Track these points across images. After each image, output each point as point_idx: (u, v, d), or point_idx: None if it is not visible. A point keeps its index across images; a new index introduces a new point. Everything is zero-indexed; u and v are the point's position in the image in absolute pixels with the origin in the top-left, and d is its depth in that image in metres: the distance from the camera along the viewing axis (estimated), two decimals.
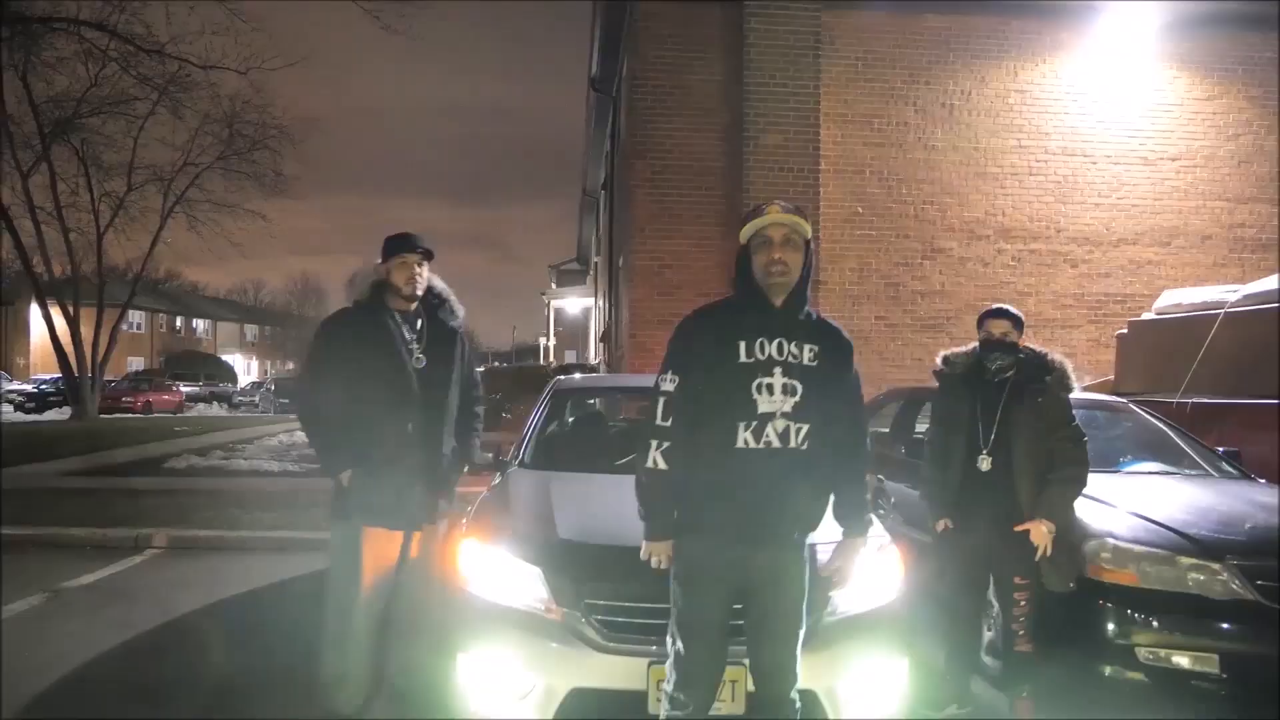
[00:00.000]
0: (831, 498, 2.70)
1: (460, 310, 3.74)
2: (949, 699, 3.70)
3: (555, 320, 25.96)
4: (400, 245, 3.50)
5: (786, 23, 9.98)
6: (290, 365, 69.94)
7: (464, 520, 3.78)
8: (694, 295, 10.45)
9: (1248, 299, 6.92)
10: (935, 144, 10.80)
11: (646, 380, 6.31)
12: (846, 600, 3.12)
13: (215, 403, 41.51)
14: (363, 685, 3.41)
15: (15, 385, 41.54)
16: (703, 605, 2.56)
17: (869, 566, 3.22)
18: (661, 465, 2.54)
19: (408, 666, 3.50)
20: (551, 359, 27.55)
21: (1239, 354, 6.56)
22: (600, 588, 3.00)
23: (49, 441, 14.20)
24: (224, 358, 60.57)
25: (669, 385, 2.59)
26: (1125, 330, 8.30)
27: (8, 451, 11.93)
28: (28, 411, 30.42)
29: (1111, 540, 3.59)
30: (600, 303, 20.01)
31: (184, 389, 37.55)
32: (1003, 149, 10.90)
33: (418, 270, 3.50)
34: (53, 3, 17.66)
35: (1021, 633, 3.57)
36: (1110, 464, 4.66)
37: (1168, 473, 4.73)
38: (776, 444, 2.50)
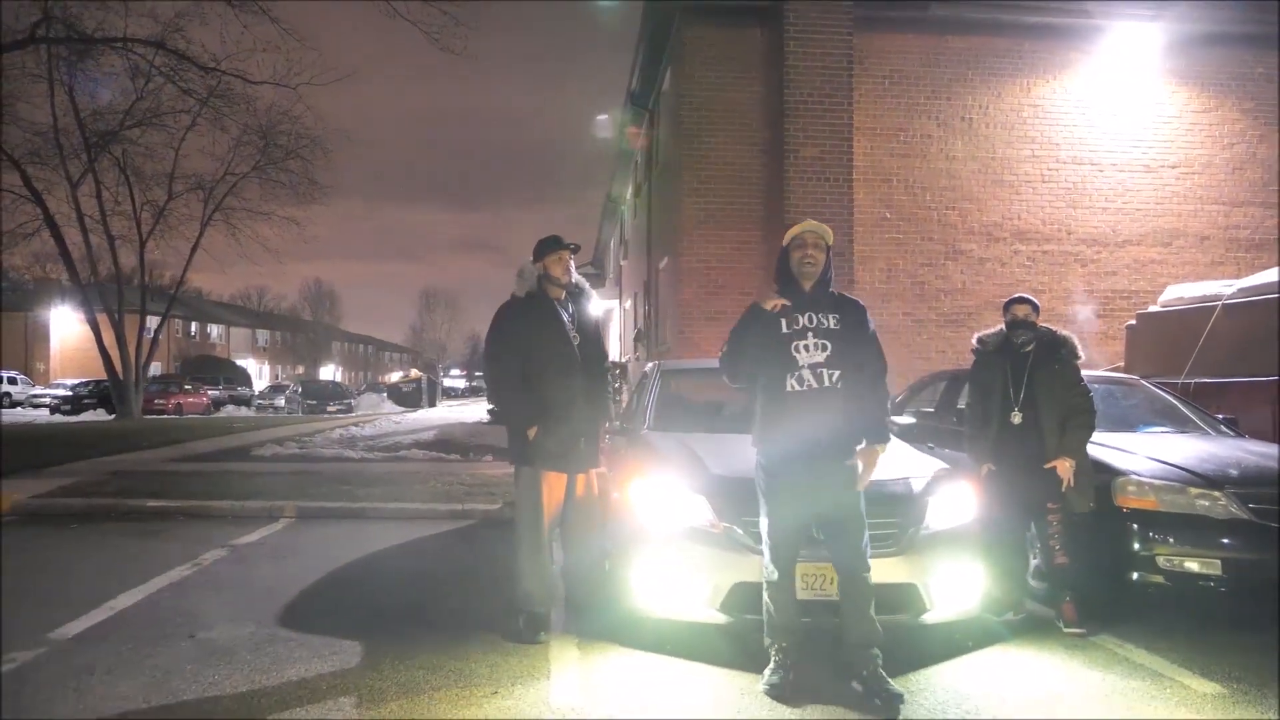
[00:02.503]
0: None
1: (593, 295, 4.72)
2: (1006, 607, 4.67)
3: None
4: (554, 244, 4.45)
5: (821, 45, 10.96)
6: (301, 370, 70.99)
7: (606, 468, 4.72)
8: (738, 294, 11.46)
9: (1242, 291, 7.91)
10: (956, 154, 11.79)
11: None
12: (935, 519, 4.11)
13: (235, 405, 42.47)
14: (556, 589, 4.37)
15: (38, 390, 42.54)
16: (780, 502, 3.61)
17: (949, 494, 4.22)
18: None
19: (584, 576, 4.45)
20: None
21: (1235, 340, 7.54)
22: (753, 507, 3.97)
23: (124, 436, 15.16)
24: (238, 362, 61.55)
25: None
26: (1134, 322, 9.28)
27: (98, 445, 12.92)
28: (64, 414, 31.31)
29: (1135, 476, 4.58)
30: (627, 304, 20.96)
31: (210, 392, 38.50)
32: (1017, 158, 11.89)
33: (569, 263, 4.46)
34: (99, 17, 18.52)
35: (1058, 547, 4.57)
36: (1130, 426, 5.64)
37: (1177, 432, 5.70)
38: (814, 385, 3.55)
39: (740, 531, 3.96)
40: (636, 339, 17.88)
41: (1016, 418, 4.62)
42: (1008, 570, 4.69)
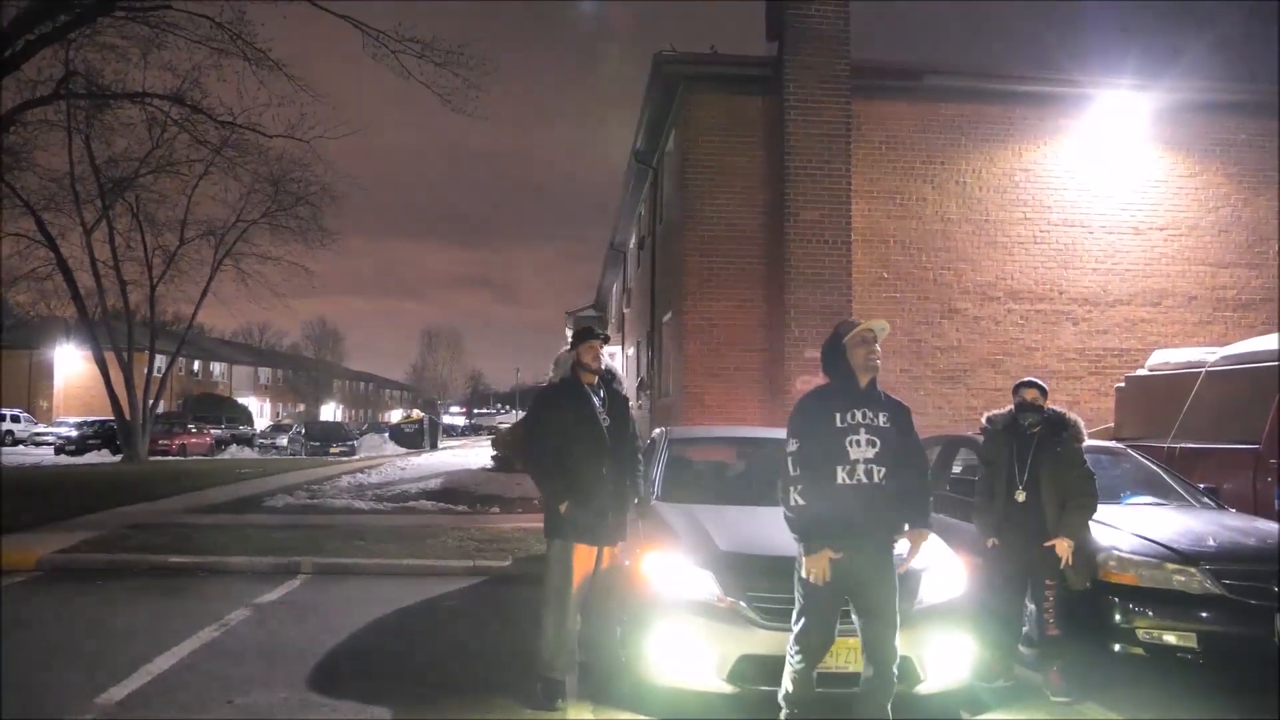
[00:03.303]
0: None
1: (624, 380, 5.06)
2: (997, 675, 4.93)
3: None
4: (587, 334, 4.83)
5: (820, 112, 11.45)
6: (302, 407, 71.26)
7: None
8: (740, 350, 11.86)
9: (1224, 359, 8.24)
10: (950, 216, 12.23)
11: (736, 431, 7.66)
12: (929, 594, 4.39)
13: (237, 445, 42.66)
14: (574, 656, 4.64)
15: (41, 428, 42.73)
16: (817, 594, 3.76)
17: (942, 570, 4.51)
18: (800, 502, 3.77)
19: (600, 644, 4.73)
20: None
21: (1217, 406, 7.86)
22: (758, 583, 4.26)
23: (135, 483, 15.40)
24: (239, 400, 61.80)
25: (793, 447, 3.83)
26: (1123, 384, 9.61)
27: (113, 492, 13.18)
28: (69, 454, 31.53)
29: (1117, 552, 4.87)
30: (630, 351, 21.33)
31: (214, 432, 38.73)
32: (1010, 220, 12.33)
33: (602, 352, 4.82)
34: (119, 69, 19.09)
35: (1051, 620, 4.83)
36: (1114, 497, 5.92)
37: (1159, 504, 5.99)
38: (864, 480, 3.72)
39: (745, 605, 4.24)
40: (640, 387, 18.22)
41: (1021, 496, 4.91)
42: (1001, 640, 4.96)
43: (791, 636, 3.84)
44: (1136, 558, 4.80)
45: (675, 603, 4.37)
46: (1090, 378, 12.25)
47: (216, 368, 69.19)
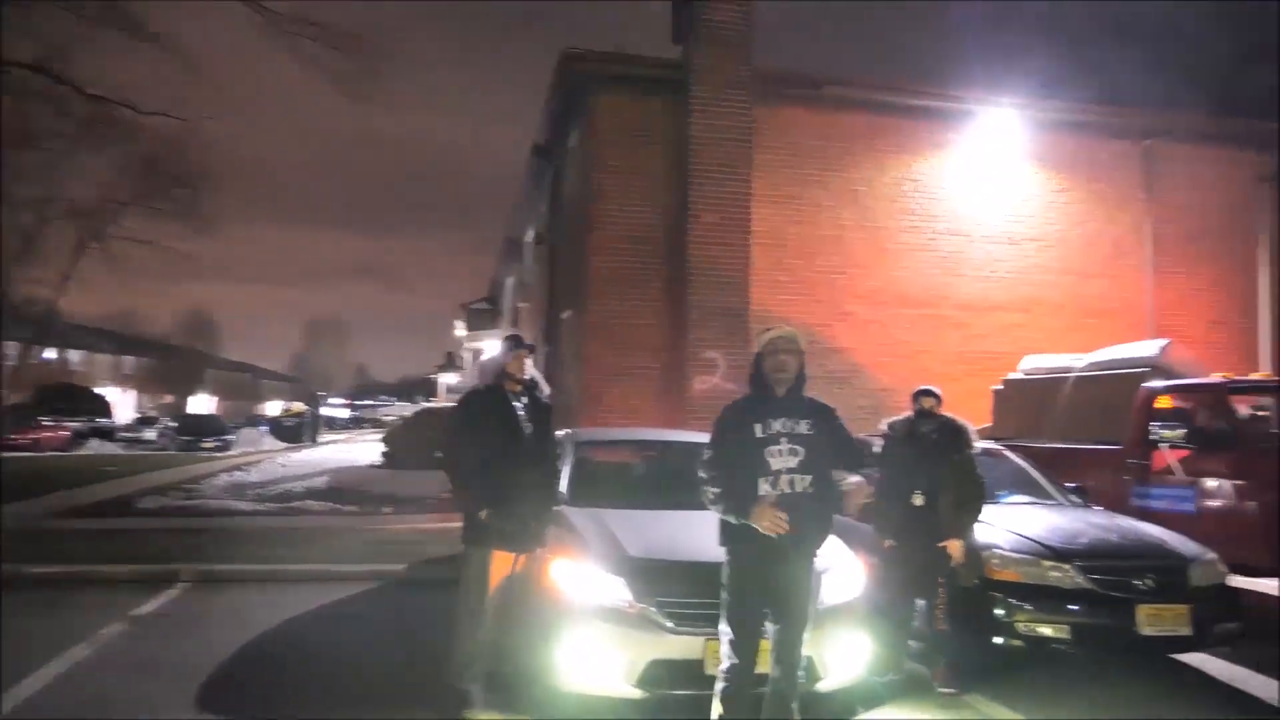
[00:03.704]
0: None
1: (547, 389, 5.04)
2: (888, 669, 5.15)
3: (473, 360, 26.88)
4: (515, 345, 4.84)
5: (724, 116, 11.62)
6: (170, 398, 67.14)
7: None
8: (641, 350, 11.94)
9: (1091, 365, 8.87)
10: (845, 223, 12.65)
11: (643, 433, 7.68)
12: (830, 595, 4.54)
13: (98, 439, 39.85)
14: (484, 664, 4.58)
15: None
16: (744, 604, 3.80)
17: (842, 571, 4.68)
18: (715, 491, 3.81)
19: (511, 651, 4.68)
20: None
21: (1085, 409, 8.45)
22: (668, 589, 4.31)
23: None
24: (97, 390, 57.73)
25: (707, 455, 3.93)
26: (1000, 386, 10.20)
27: None
28: None
29: (999, 550, 5.17)
30: None
31: (70, 424, 36.08)
32: (899, 228, 12.86)
33: (527, 361, 4.81)
34: None
35: (941, 616, 5.09)
36: (992, 497, 6.24)
37: (1033, 502, 6.39)
38: (786, 491, 3.71)
39: (655, 611, 4.28)
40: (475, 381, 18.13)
41: (918, 499, 5.13)
42: (894, 636, 5.18)
43: (724, 648, 3.82)
44: (1017, 555, 5.11)
45: (585, 609, 4.37)
46: (968, 379, 12.85)
47: (75, 356, 64.43)
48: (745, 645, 3.82)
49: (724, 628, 3.85)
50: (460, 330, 39.23)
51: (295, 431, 37.35)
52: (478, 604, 4.57)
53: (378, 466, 17.79)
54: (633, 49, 12.29)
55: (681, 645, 4.22)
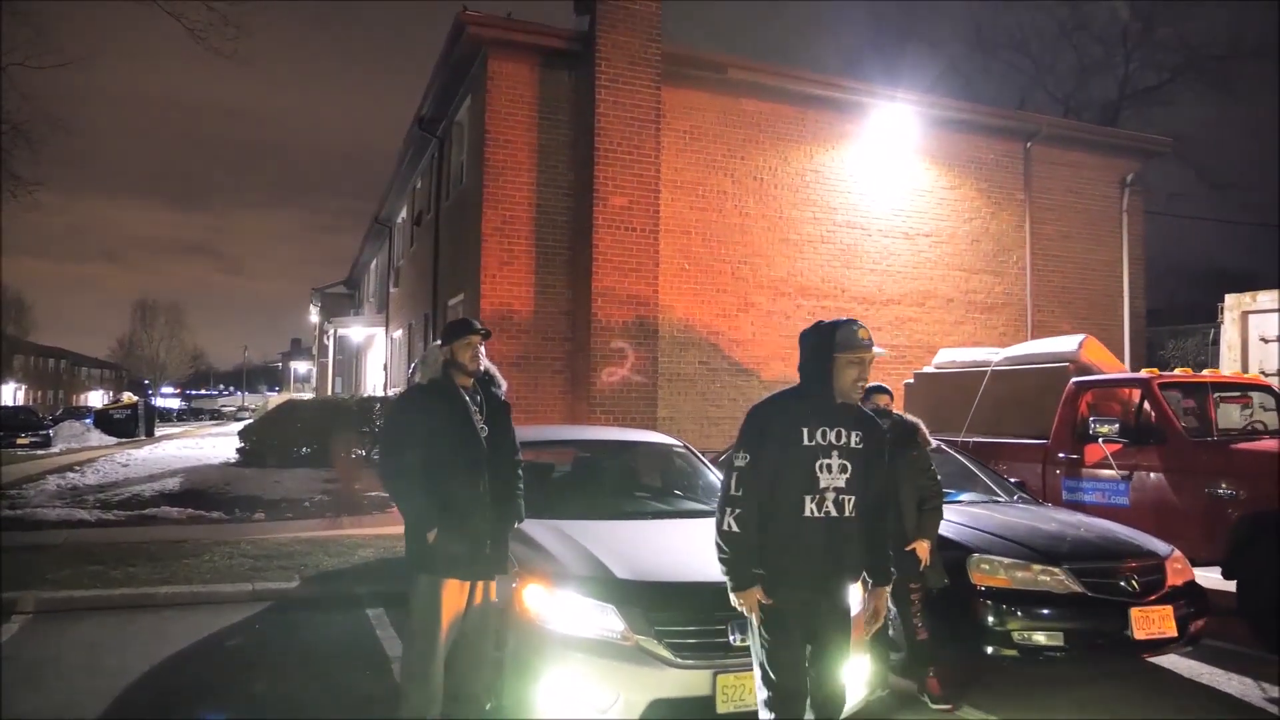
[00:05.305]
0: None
1: (504, 384, 4.31)
2: (876, 686, 4.79)
3: (336, 348, 25.10)
4: (465, 329, 4.05)
5: (631, 95, 11.07)
6: None
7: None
8: (541, 338, 11.25)
9: (1006, 360, 8.95)
10: (749, 211, 12.41)
11: (592, 432, 7.03)
12: None
13: None
14: (439, 710, 3.85)
15: None
16: (788, 641, 3.14)
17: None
18: (735, 529, 3.16)
19: (468, 696, 3.98)
20: (332, 388, 26.48)
21: (1005, 402, 8.49)
22: (668, 615, 3.75)
23: None
24: None
25: (742, 461, 3.17)
26: (912, 380, 10.21)
27: None
28: None
29: (986, 554, 4.91)
30: (398, 334, 19.85)
31: None
32: (801, 219, 12.75)
33: (481, 350, 4.06)
34: None
35: (919, 624, 4.79)
36: (946, 496, 6.09)
37: (986, 501, 6.24)
38: (833, 513, 3.13)
39: (654, 642, 3.71)
40: (413, 375, 16.97)
41: None
42: (874, 649, 4.83)
43: (764, 698, 3.19)
44: (1006, 560, 4.87)
45: (568, 643, 3.74)
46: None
47: None
48: (793, 689, 3.15)
49: (764, 670, 3.19)
50: (314, 316, 36.80)
51: (127, 424, 33.77)
52: (430, 643, 3.84)
53: (235, 464, 16.12)
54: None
55: (688, 680, 3.67)
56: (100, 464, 17.25)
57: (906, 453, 4.91)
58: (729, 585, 3.21)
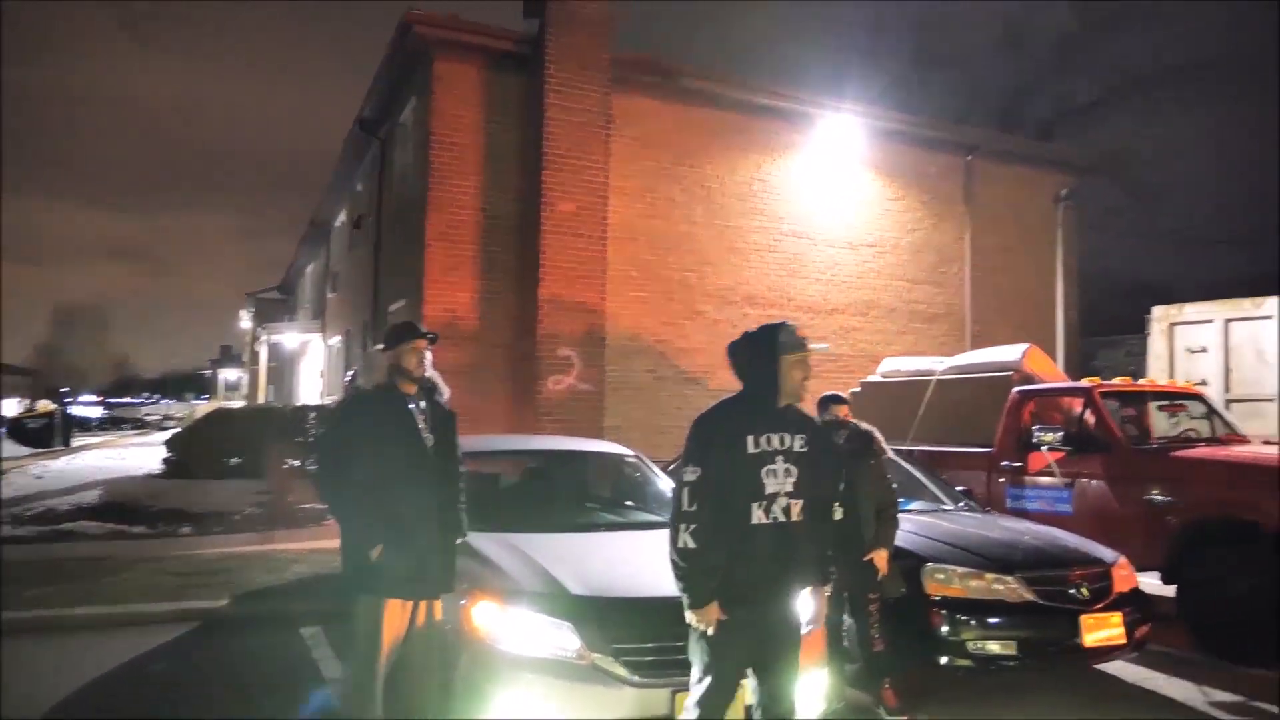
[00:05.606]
0: None
1: (447, 391, 4.14)
2: (833, 700, 4.73)
3: (269, 355, 24.32)
4: (410, 333, 3.87)
5: (581, 99, 10.94)
6: None
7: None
8: (486, 346, 11.04)
9: (951, 369, 9.05)
10: (696, 219, 12.38)
11: (537, 442, 6.87)
12: None
13: None
14: None
15: None
16: (726, 653, 3.12)
17: (805, 601, 4.18)
18: (692, 545, 3.10)
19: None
20: (265, 397, 25.64)
21: (950, 411, 8.58)
22: (626, 632, 3.61)
23: None
24: None
25: (692, 476, 3.15)
26: (858, 389, 10.25)
27: None
28: None
29: (940, 564, 4.90)
30: (334, 341, 19.31)
31: None
32: (748, 228, 12.77)
33: (427, 355, 3.88)
34: None
35: (876, 635, 4.74)
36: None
37: (934, 509, 6.25)
38: (781, 519, 3.14)
39: (612, 660, 3.57)
40: (351, 381, 16.50)
41: (838, 513, 4.72)
42: (830, 662, 4.77)
43: (693, 700, 3.18)
44: (960, 569, 4.86)
45: (521, 663, 3.59)
46: (811, 382, 13.05)
47: None
48: (721, 701, 3.17)
49: (698, 681, 3.17)
50: (246, 322, 35.66)
51: (44, 434, 32.16)
52: (370, 666, 3.63)
53: (160, 475, 15.41)
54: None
55: (646, 700, 3.55)
56: (12, 476, 16.36)
57: (864, 461, 4.88)
58: (686, 603, 3.15)
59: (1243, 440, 7.02)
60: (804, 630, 3.93)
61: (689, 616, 3.15)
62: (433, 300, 10.82)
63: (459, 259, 10.93)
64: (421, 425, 3.82)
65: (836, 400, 5.12)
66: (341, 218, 19.11)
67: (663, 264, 12.14)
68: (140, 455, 22.33)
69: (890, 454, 5.24)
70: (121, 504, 11.55)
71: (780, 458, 3.18)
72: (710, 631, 3.11)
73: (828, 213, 13.34)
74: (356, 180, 16.88)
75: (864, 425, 5.15)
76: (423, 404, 3.90)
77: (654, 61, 12.06)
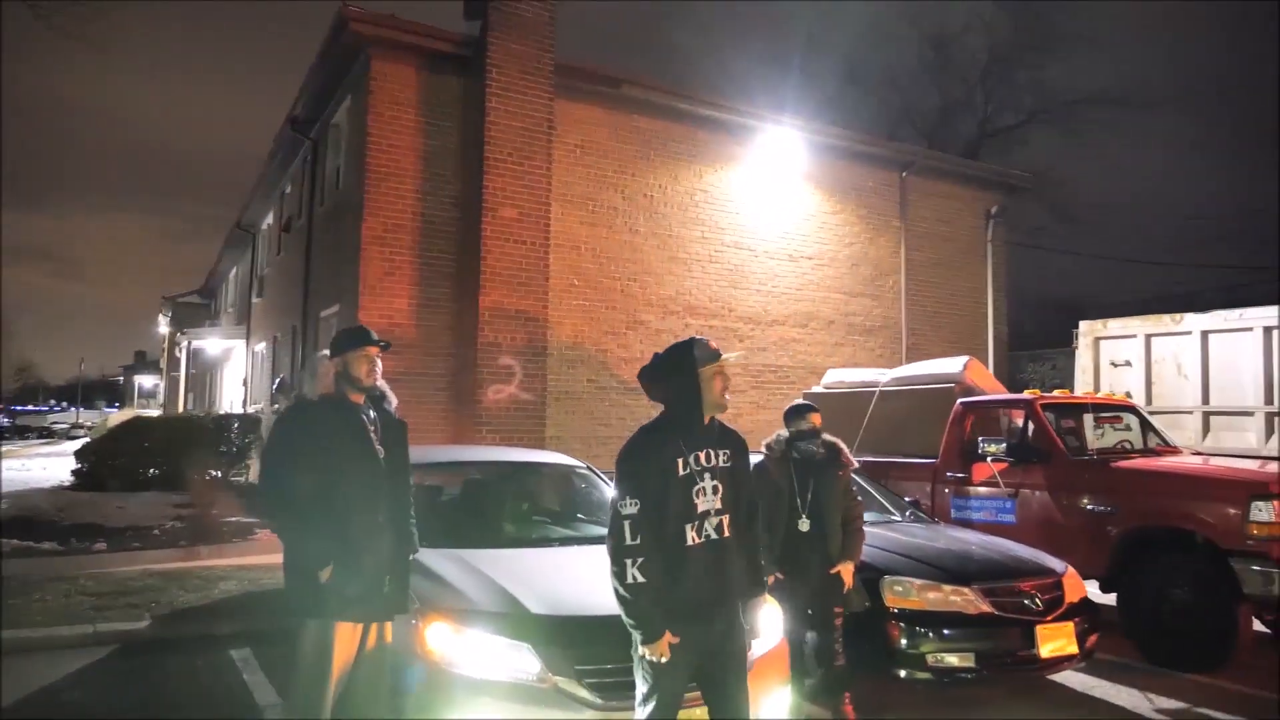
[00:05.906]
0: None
1: (394, 400, 3.92)
2: (791, 711, 4.65)
3: (189, 362, 23.30)
4: (361, 339, 3.66)
5: (523, 104, 10.75)
6: None
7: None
8: (423, 354, 10.73)
9: (894, 380, 9.15)
10: (639, 229, 12.30)
11: (489, 453, 6.64)
12: (756, 647, 3.92)
13: None
14: None
15: None
16: (669, 675, 3.06)
17: (765, 619, 4.08)
18: (640, 579, 3.02)
19: None
20: (184, 405, 24.50)
21: (893, 422, 8.66)
22: (589, 654, 3.46)
23: None
24: None
25: (631, 509, 3.06)
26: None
27: None
28: None
29: (898, 576, 4.87)
30: (260, 347, 18.60)
31: None
32: (690, 238, 12.75)
33: (378, 363, 3.67)
34: None
35: (839, 649, 4.68)
36: None
37: (885, 520, 6.26)
38: (712, 536, 3.12)
39: (575, 684, 3.41)
40: (278, 389, 15.87)
41: (804, 524, 4.66)
42: (791, 676, 4.69)
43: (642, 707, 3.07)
44: (918, 581, 4.84)
45: (478, 687, 3.41)
46: (752, 391, 13.13)
47: None
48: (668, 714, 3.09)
49: (642, 703, 3.08)
50: (164, 326, 34.19)
51: None
52: (317, 694, 3.40)
53: (70, 487, 14.56)
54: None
55: None
56: None
57: (833, 473, 4.82)
58: (639, 639, 3.06)
59: (1174, 451, 7.24)
60: (763, 648, 3.89)
61: (642, 650, 3.06)
62: (369, 306, 10.46)
63: (396, 264, 10.60)
64: (373, 437, 3.61)
65: (809, 410, 4.99)
66: (269, 220, 18.46)
67: (605, 273, 12.01)
68: (48, 465, 21.21)
69: (857, 465, 5.16)
70: (28, 518, 10.85)
71: (708, 475, 3.15)
72: (663, 660, 3.03)
73: (768, 225, 13.42)
74: (286, 181, 16.32)
75: (829, 437, 5.07)
76: (372, 414, 3.69)
77: (598, 70, 11.96)
